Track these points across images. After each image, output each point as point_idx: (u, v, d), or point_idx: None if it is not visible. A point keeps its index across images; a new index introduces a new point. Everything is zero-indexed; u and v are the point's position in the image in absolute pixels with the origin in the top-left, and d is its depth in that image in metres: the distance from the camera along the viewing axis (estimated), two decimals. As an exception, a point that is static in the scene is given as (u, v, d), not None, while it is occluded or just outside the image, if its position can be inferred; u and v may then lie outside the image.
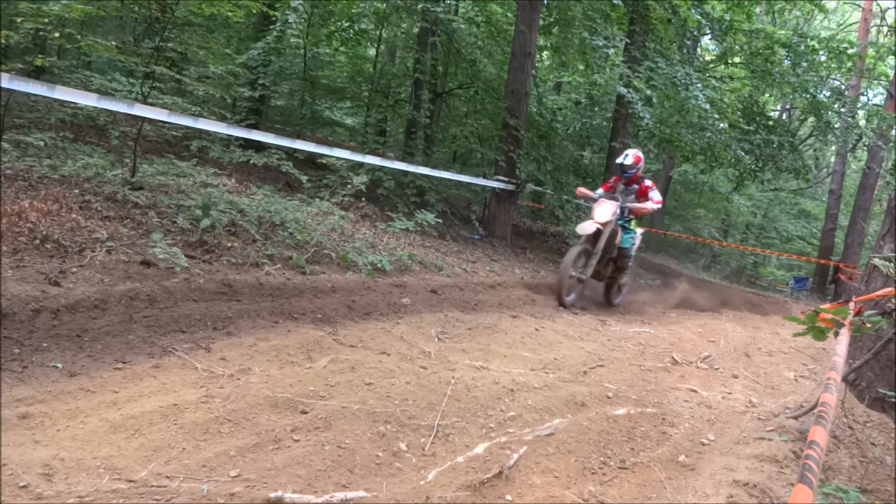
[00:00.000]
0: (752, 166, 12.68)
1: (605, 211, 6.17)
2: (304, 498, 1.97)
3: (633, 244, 6.58)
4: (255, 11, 7.19)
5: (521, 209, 13.04)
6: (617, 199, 6.36)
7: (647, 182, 6.51)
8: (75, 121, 6.74)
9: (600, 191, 6.65)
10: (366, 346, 3.56)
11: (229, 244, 4.92)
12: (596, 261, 6.18)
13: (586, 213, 13.49)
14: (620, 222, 6.43)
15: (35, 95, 5.41)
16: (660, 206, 6.42)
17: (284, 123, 11.61)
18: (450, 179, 9.27)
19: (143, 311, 3.43)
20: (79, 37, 5.13)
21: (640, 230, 6.78)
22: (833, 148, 18.79)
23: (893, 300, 2.97)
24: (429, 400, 2.80)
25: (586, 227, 6.16)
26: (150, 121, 5.81)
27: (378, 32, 11.30)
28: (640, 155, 6.46)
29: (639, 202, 6.38)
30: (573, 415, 2.95)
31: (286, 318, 3.89)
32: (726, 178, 17.61)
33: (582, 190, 6.69)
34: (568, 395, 3.14)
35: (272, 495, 1.94)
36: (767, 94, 14.98)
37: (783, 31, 12.19)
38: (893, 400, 3.04)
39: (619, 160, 6.47)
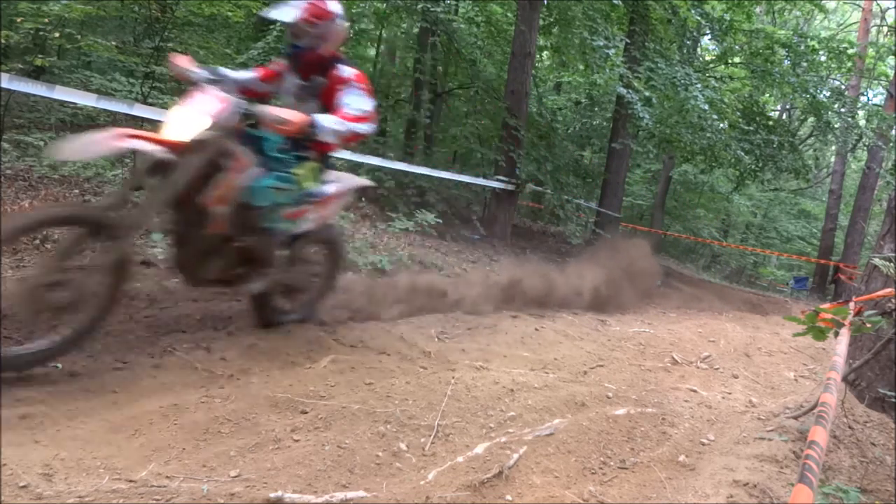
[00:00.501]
0: (752, 166, 12.69)
1: (198, 111, 2.66)
2: (304, 498, 1.97)
3: (284, 203, 3.05)
4: (254, 11, 7.19)
5: (521, 209, 13.04)
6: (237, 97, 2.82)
7: (348, 72, 3.04)
8: (75, 121, 6.73)
9: (241, 76, 3.20)
10: (366, 346, 3.56)
11: (229, 244, 4.91)
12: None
13: (587, 214, 13.54)
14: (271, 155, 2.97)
15: (35, 95, 5.40)
16: (364, 127, 2.96)
17: (284, 123, 11.59)
18: (450, 179, 9.27)
19: (143, 311, 3.43)
20: (79, 37, 5.14)
21: (333, 182, 3.36)
22: (833, 148, 18.80)
23: (893, 300, 2.97)
24: (429, 400, 2.80)
25: (90, 146, 2.42)
26: (151, 121, 5.81)
27: (378, 32, 11.30)
28: (333, 8, 3.00)
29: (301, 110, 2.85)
30: (573, 415, 2.95)
31: (286, 318, 3.89)
32: (726, 178, 17.62)
33: (178, 61, 2.92)
34: (568, 395, 3.14)
35: (272, 495, 1.94)
36: (767, 95, 14.98)
37: (783, 31, 12.20)
38: (893, 400, 3.04)
39: (270, 13, 2.93)
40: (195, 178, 2.67)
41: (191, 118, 2.64)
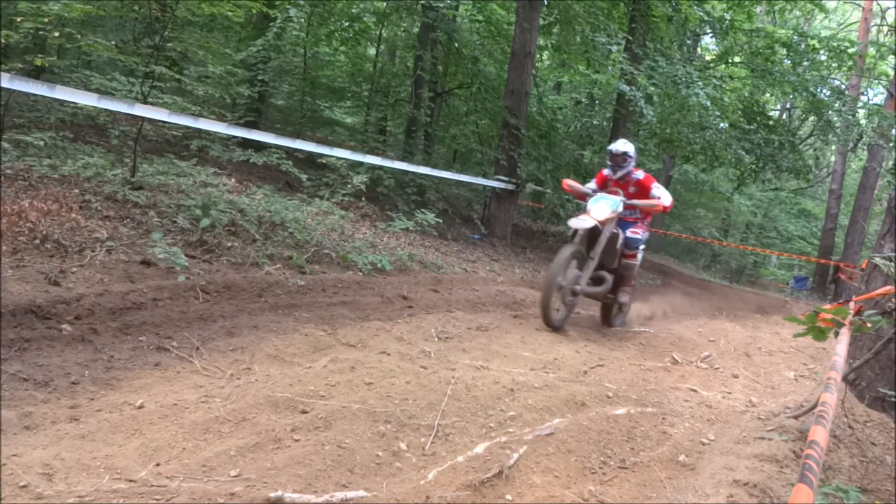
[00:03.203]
0: (753, 166, 12.69)
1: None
2: (304, 498, 1.97)
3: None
4: (254, 11, 7.19)
5: (521, 209, 13.03)
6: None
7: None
8: (75, 120, 6.74)
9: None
10: (366, 346, 3.56)
11: (229, 244, 4.92)
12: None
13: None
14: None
15: (35, 95, 5.40)
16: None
17: (284, 123, 11.61)
18: (450, 179, 9.27)
19: (143, 311, 3.44)
20: (78, 36, 5.13)
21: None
22: (833, 147, 18.79)
23: (893, 299, 2.97)
24: (429, 399, 2.79)
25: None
26: (150, 120, 5.81)
27: (378, 32, 11.30)
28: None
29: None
30: (573, 414, 2.95)
31: (286, 317, 3.89)
32: (726, 177, 17.62)
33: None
34: (568, 395, 3.14)
35: (272, 495, 1.94)
36: (768, 94, 14.98)
37: (783, 31, 12.20)
38: (893, 399, 3.04)
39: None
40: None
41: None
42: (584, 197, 5.19)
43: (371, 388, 2.85)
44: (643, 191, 5.20)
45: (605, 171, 5.38)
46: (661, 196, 5.16)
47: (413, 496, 2.06)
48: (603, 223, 4.88)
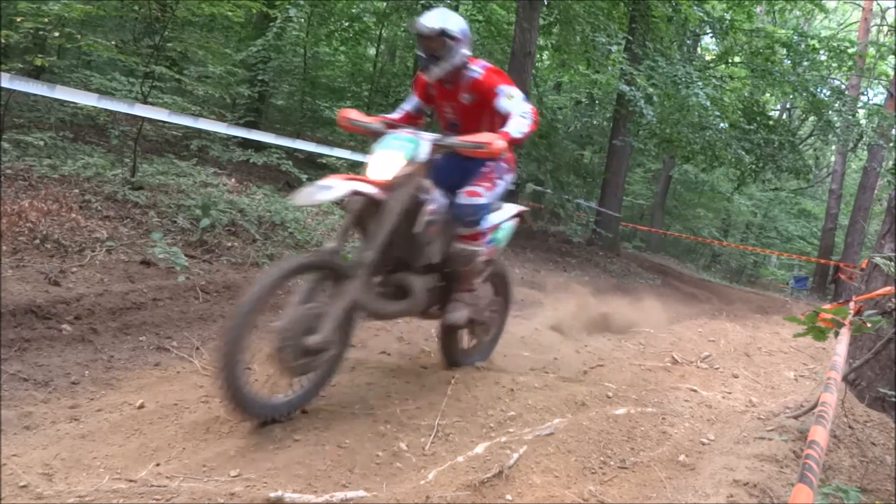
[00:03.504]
0: (753, 166, 12.71)
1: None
2: (304, 498, 1.97)
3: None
4: (254, 11, 7.20)
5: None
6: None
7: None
8: (75, 120, 6.74)
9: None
10: (366, 346, 3.56)
11: (229, 244, 4.92)
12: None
13: (588, 213, 13.51)
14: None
15: (35, 95, 5.40)
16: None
17: (284, 123, 11.61)
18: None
19: (143, 311, 3.44)
20: (78, 36, 5.13)
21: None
22: (833, 147, 18.81)
23: (893, 299, 2.97)
24: (429, 400, 2.79)
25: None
26: (150, 120, 5.81)
27: (378, 32, 11.31)
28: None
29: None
30: (573, 414, 2.95)
31: (286, 317, 3.88)
32: (727, 177, 17.64)
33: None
34: (568, 395, 3.13)
35: (272, 495, 1.94)
36: (768, 94, 15.00)
37: (783, 31, 12.22)
38: (893, 399, 3.04)
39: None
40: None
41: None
42: (376, 136, 2.88)
43: (371, 388, 2.85)
44: (484, 99, 2.91)
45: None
46: (513, 111, 2.81)
47: (413, 496, 2.06)
48: (388, 187, 2.59)
